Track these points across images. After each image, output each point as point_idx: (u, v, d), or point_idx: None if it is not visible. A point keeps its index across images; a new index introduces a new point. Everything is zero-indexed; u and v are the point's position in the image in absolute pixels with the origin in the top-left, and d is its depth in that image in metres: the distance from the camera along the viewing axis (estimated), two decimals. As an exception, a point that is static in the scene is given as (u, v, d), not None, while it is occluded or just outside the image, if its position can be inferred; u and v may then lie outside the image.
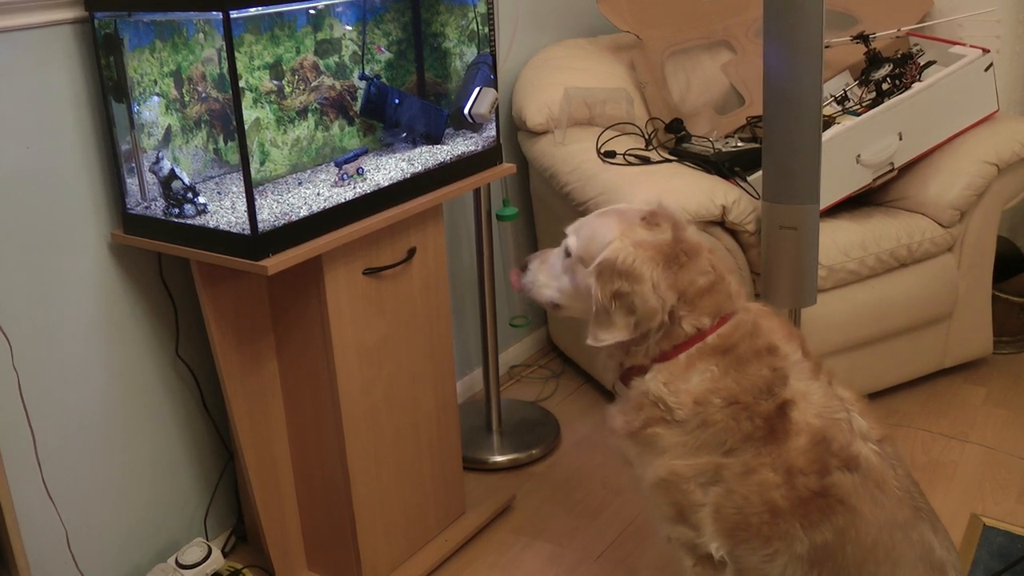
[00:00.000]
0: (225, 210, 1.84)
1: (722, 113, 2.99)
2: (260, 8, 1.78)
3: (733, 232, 2.47)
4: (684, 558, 1.68)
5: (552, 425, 2.78)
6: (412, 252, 2.07)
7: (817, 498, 1.54)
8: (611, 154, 2.60)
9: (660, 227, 1.66)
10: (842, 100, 2.77)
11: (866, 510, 1.54)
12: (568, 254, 1.73)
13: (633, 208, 1.72)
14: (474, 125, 2.25)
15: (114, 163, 1.90)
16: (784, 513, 1.55)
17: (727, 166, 2.60)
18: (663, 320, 1.61)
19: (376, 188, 1.93)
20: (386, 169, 2.03)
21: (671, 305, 1.61)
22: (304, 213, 1.80)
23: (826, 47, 2.40)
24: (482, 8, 2.20)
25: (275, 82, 1.92)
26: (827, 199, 2.57)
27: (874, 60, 2.78)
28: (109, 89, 1.84)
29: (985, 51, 2.77)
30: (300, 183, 1.98)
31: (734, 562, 1.63)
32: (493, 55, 2.22)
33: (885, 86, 2.73)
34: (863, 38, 2.81)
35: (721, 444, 1.59)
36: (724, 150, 2.66)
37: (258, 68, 1.90)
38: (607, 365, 1.75)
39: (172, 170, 1.83)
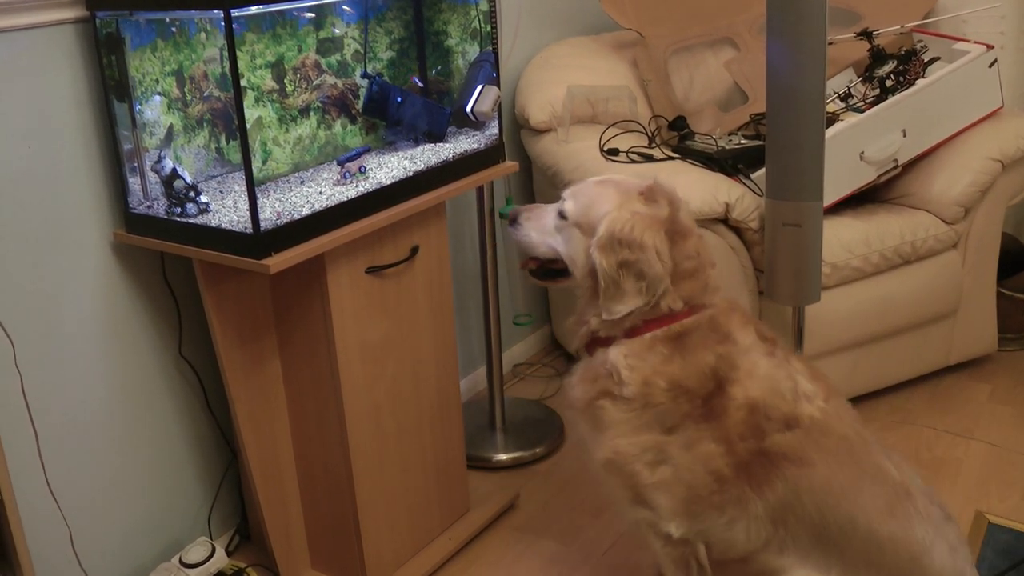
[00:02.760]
0: (227, 209, 1.84)
1: (725, 110, 2.99)
2: (261, 7, 1.78)
3: (736, 229, 2.47)
4: (654, 540, 1.74)
5: (556, 423, 2.77)
6: (415, 250, 2.07)
7: (758, 458, 1.61)
8: (614, 152, 2.59)
9: (658, 203, 1.68)
10: (846, 97, 2.76)
11: (813, 457, 1.61)
12: (563, 216, 1.75)
13: (631, 181, 1.75)
14: (477, 123, 2.25)
15: (116, 162, 1.90)
16: (730, 479, 1.62)
17: (730, 163, 2.59)
18: (667, 286, 1.64)
19: (379, 186, 1.93)
20: (388, 167, 2.03)
21: (670, 270, 1.64)
22: (306, 212, 1.79)
23: (829, 44, 2.40)
24: (484, 6, 2.20)
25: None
26: (831, 196, 2.56)
27: (878, 57, 2.77)
28: (111, 88, 1.84)
29: (989, 47, 2.76)
30: (302, 182, 1.98)
31: (699, 537, 1.68)
32: (495, 53, 2.21)
33: (889, 83, 2.72)
34: (867, 35, 2.80)
35: (662, 424, 1.65)
36: (727, 147, 2.66)
37: (260, 67, 1.89)
38: (576, 331, 1.78)
39: (174, 169, 1.83)
